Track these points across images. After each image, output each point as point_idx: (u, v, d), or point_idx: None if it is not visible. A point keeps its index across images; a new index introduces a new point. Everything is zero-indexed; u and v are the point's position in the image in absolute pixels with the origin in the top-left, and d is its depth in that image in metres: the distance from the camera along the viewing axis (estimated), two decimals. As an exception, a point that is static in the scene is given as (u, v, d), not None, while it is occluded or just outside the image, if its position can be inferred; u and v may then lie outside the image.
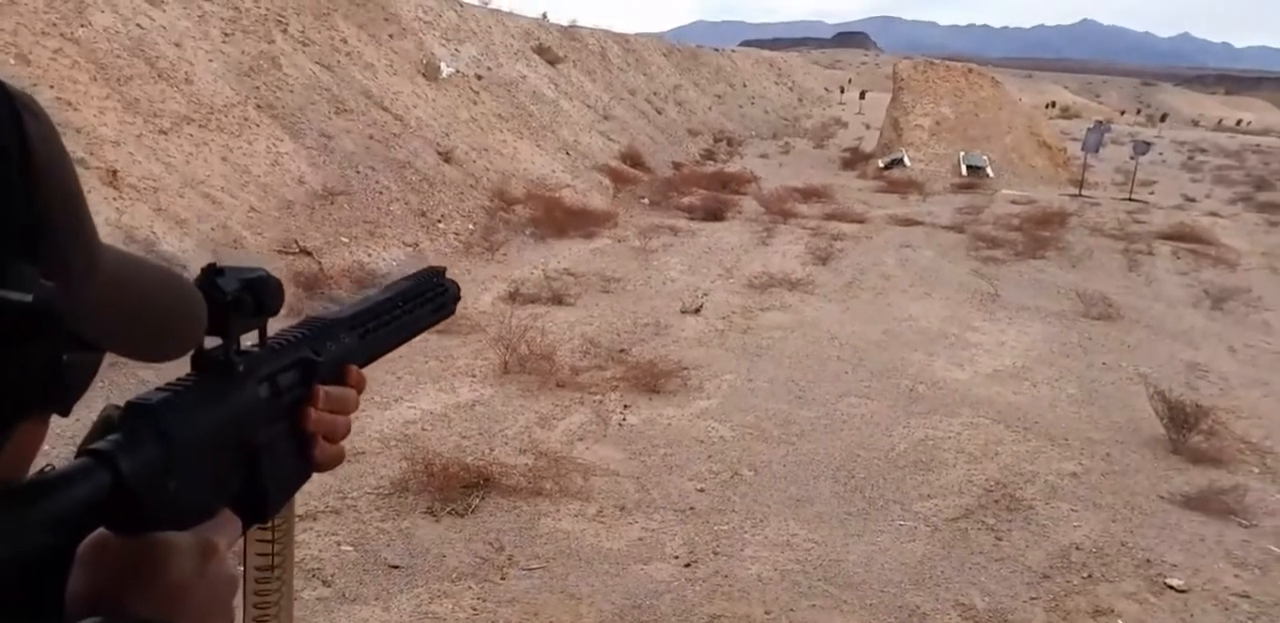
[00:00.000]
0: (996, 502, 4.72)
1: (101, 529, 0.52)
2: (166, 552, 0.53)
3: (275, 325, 0.66)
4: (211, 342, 0.60)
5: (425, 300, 0.85)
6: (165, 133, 7.86)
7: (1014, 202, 16.99)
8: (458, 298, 0.91)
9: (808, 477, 4.88)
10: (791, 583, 3.84)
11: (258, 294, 0.60)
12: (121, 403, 0.55)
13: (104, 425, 0.55)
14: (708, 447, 5.18)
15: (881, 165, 20.58)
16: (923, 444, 5.39)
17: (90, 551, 0.52)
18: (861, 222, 13.37)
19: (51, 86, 7.13)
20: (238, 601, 0.61)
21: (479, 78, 14.75)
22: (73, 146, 6.68)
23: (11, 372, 0.43)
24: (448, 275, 0.90)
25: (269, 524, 0.69)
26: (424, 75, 13.10)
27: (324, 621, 3.30)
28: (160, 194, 7.17)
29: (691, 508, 4.45)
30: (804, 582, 3.85)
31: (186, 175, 7.64)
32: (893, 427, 5.63)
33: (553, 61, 18.84)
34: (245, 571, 0.70)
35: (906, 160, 20.45)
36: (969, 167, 20.25)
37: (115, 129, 7.38)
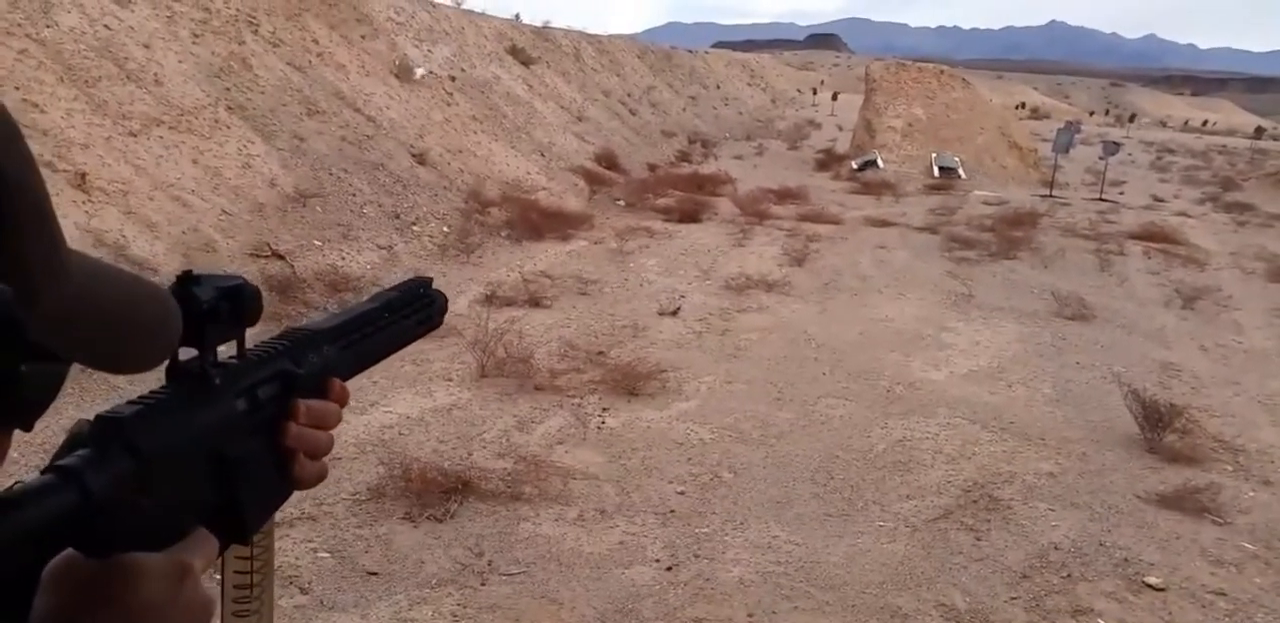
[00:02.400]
0: (975, 502, 4.73)
1: (69, 550, 0.50)
2: (137, 574, 0.51)
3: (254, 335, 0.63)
4: (187, 353, 0.57)
5: (412, 311, 0.83)
6: (135, 135, 7.75)
7: (986, 202, 17.14)
8: (445, 309, 0.89)
9: (787, 478, 4.87)
10: (773, 585, 3.83)
11: (235, 303, 0.58)
12: (94, 415, 0.53)
13: (73, 441, 0.53)
14: (687, 449, 5.17)
15: (855, 167, 20.68)
16: (901, 445, 5.40)
17: (56, 572, 0.50)
18: (837, 223, 13.43)
19: (17, 88, 7.01)
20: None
21: (452, 79, 14.67)
22: (40, 149, 6.57)
23: None
24: (433, 283, 0.88)
25: (248, 543, 0.66)
26: (397, 76, 13.00)
27: (302, 630, 3.26)
28: (130, 197, 7.06)
29: (672, 511, 4.43)
30: (786, 584, 3.85)
31: (157, 178, 7.53)
32: (871, 428, 5.64)
33: (526, 63, 18.78)
34: (224, 592, 0.67)
35: (880, 162, 20.56)
36: (941, 168, 20.39)
37: (84, 131, 7.27)
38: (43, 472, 0.50)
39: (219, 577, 0.66)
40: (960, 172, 20.33)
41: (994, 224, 13.82)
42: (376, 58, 12.91)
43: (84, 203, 6.61)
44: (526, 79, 18.06)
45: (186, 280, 0.57)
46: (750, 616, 3.60)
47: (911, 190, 18.27)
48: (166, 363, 0.57)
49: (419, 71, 13.43)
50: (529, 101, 16.87)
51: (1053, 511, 4.70)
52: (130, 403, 0.54)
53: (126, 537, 0.51)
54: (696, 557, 4.03)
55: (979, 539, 4.35)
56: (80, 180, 6.73)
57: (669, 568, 3.92)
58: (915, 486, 4.88)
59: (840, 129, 31.08)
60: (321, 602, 3.44)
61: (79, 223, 6.37)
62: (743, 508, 4.52)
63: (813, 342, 7.40)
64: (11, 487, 0.48)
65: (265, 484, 0.63)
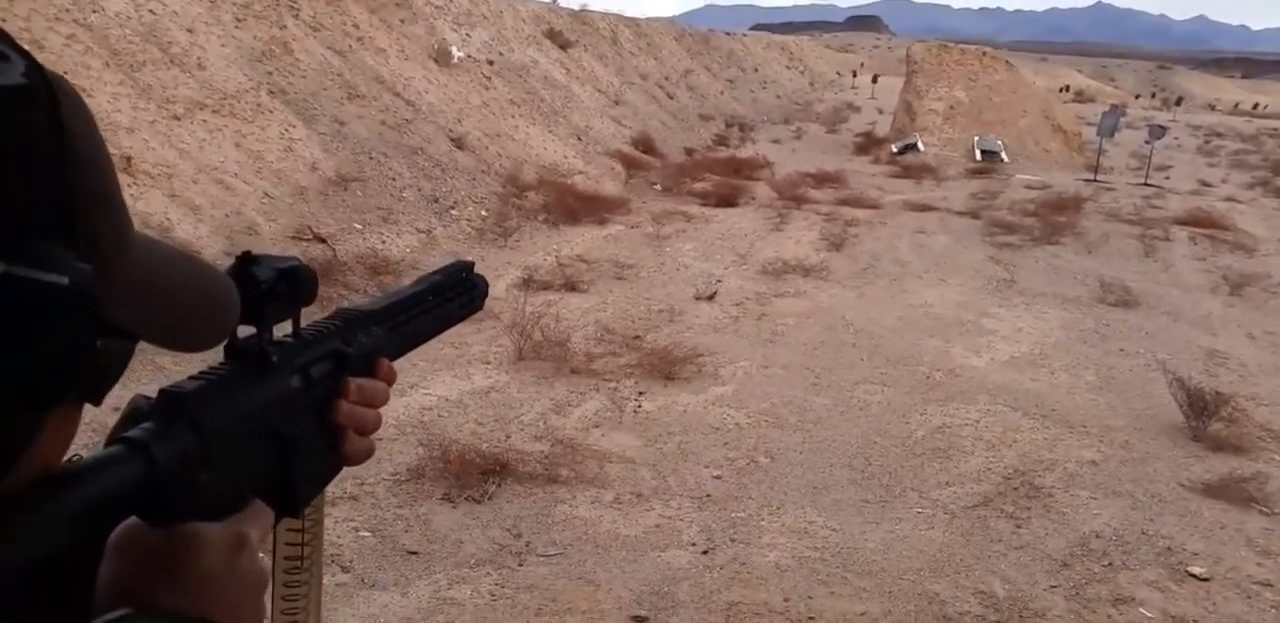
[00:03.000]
0: (1015, 489, 4.69)
1: (133, 519, 0.51)
2: (197, 544, 0.52)
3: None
4: (245, 332, 0.59)
5: (455, 295, 0.85)
6: (179, 119, 7.85)
7: (1029, 186, 16.87)
8: (486, 293, 0.91)
9: (824, 464, 4.86)
10: (810, 570, 3.83)
11: (292, 283, 0.59)
12: (141, 391, 0.55)
13: (133, 415, 0.54)
14: (723, 434, 5.17)
15: (895, 150, 20.44)
16: (940, 432, 5.36)
17: (121, 540, 0.51)
18: (875, 207, 13.29)
19: (65, 73, 7.11)
20: (267, 594, 0.59)
21: (490, 63, 14.68)
22: (87, 133, 6.67)
23: (46, 357, 0.42)
24: (474, 267, 0.90)
25: (299, 516, 0.68)
26: (435, 61, 13.04)
27: (344, 606, 3.31)
28: (174, 180, 7.16)
29: (708, 495, 4.44)
30: (822, 569, 3.84)
31: (200, 161, 7.63)
32: (909, 414, 5.60)
33: (564, 46, 18.74)
34: (274, 563, 0.69)
35: (920, 145, 20.30)
36: (983, 151, 20.09)
37: (129, 115, 7.37)
38: (106, 444, 0.51)
39: (271, 549, 0.68)
40: (1003, 155, 20.02)
41: (1037, 209, 13.60)
42: (415, 42, 12.95)
43: (129, 186, 6.71)
44: (564, 63, 18.02)
45: (246, 261, 0.58)
46: (786, 600, 3.60)
47: (953, 174, 18.02)
48: (226, 341, 0.59)
49: (457, 55, 13.45)
50: (566, 85, 16.84)
51: (1094, 499, 4.65)
52: (192, 378, 0.55)
53: (188, 508, 0.52)
54: (733, 541, 4.03)
55: (1019, 527, 4.32)
56: (126, 164, 6.84)
57: (705, 552, 3.93)
58: (954, 472, 4.84)
59: (880, 112, 30.71)
60: (363, 580, 3.49)
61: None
62: (779, 493, 4.51)
63: (850, 327, 7.35)
64: (71, 458, 0.49)
65: (317, 460, 0.65)
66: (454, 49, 13.56)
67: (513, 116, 13.66)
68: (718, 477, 4.64)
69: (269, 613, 0.62)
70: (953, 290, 8.77)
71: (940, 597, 3.70)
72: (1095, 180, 18.50)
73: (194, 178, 7.38)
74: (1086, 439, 5.40)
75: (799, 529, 4.17)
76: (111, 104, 7.30)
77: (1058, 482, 4.80)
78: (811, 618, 3.51)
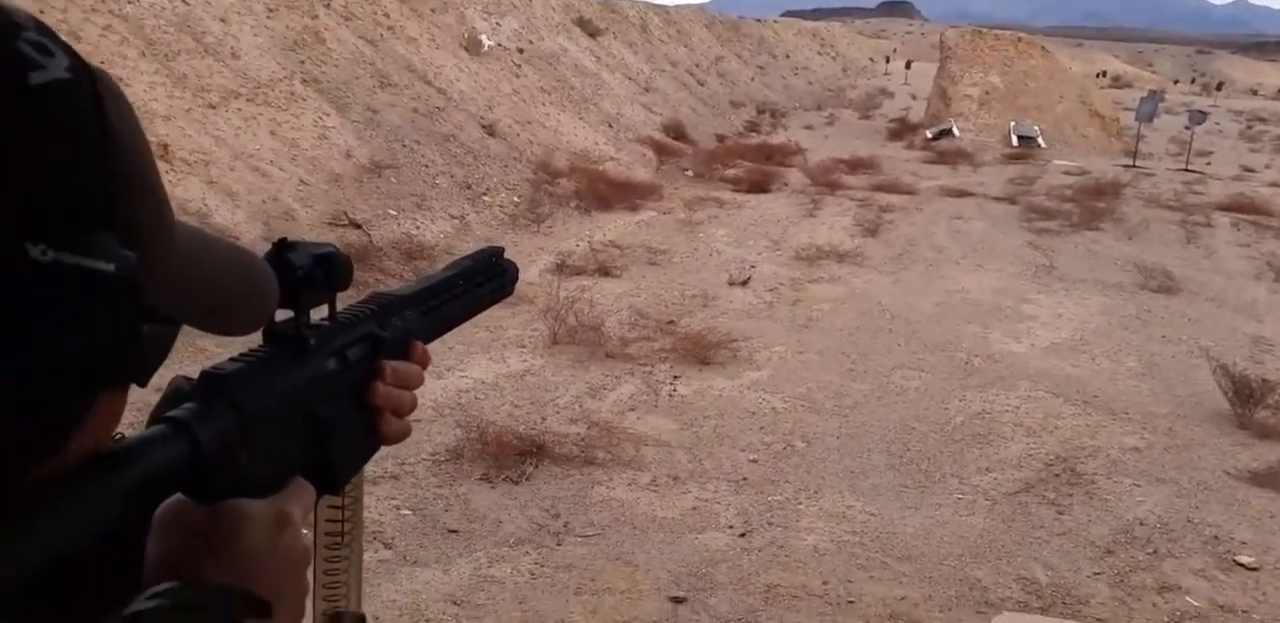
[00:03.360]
0: (1057, 476, 4.63)
1: (178, 495, 0.52)
2: (241, 520, 0.54)
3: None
4: (282, 316, 0.60)
5: (485, 280, 0.87)
6: (214, 107, 7.91)
7: (1067, 172, 16.63)
8: (516, 278, 0.92)
9: (862, 449, 4.82)
10: (849, 555, 3.80)
11: (328, 269, 0.61)
12: (181, 373, 0.57)
13: (174, 395, 0.56)
14: (759, 418, 5.14)
15: (929, 136, 20.22)
16: (980, 418, 5.30)
17: (167, 517, 0.53)
18: (911, 193, 13.15)
19: (102, 62, 7.19)
20: (310, 570, 0.61)
21: (520, 51, 14.67)
22: (126, 120, 6.74)
23: (94, 342, 0.43)
24: (504, 252, 0.92)
25: (340, 494, 0.69)
26: (466, 49, 13.05)
27: (387, 582, 3.34)
28: (211, 167, 7.22)
29: (745, 479, 4.42)
30: (861, 554, 3.81)
31: (236, 149, 7.69)
32: (948, 400, 5.54)
33: (593, 34, 18.69)
34: (315, 540, 0.70)
35: (955, 131, 20.07)
36: (1020, 137, 19.82)
37: (165, 104, 7.44)
38: (148, 424, 0.53)
39: (312, 524, 0.69)
40: (1040, 141, 19.74)
41: (1075, 194, 13.40)
42: (446, 31, 12.97)
43: (167, 173, 6.78)
44: (594, 50, 17.98)
45: (283, 247, 0.60)
46: (825, 584, 3.58)
47: (989, 160, 17.80)
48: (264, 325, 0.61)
49: (487, 44, 13.45)
50: (596, 73, 16.81)
51: (1138, 486, 4.58)
52: (232, 360, 0.57)
53: (229, 486, 0.53)
54: (770, 524, 4.01)
55: (1061, 513, 4.26)
56: (163, 151, 6.90)
57: (742, 535, 3.91)
58: (995, 458, 4.79)
59: (914, 98, 30.39)
60: (405, 557, 3.52)
61: (164, 192, 6.54)
62: (816, 477, 4.48)
63: (887, 313, 7.28)
64: (116, 438, 0.50)
65: (354, 440, 0.67)
66: (484, 38, 13.56)
67: (543, 104, 13.65)
68: (754, 461, 4.62)
69: (311, 588, 0.63)
70: (991, 276, 8.67)
71: (981, 583, 3.66)
72: (1134, 166, 18.19)
73: (230, 165, 7.44)
74: (1129, 426, 5.32)
75: (837, 514, 4.14)
76: (148, 93, 7.37)
77: (1100, 469, 4.73)
78: (851, 602, 3.48)
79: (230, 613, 0.50)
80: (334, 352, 0.64)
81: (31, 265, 0.40)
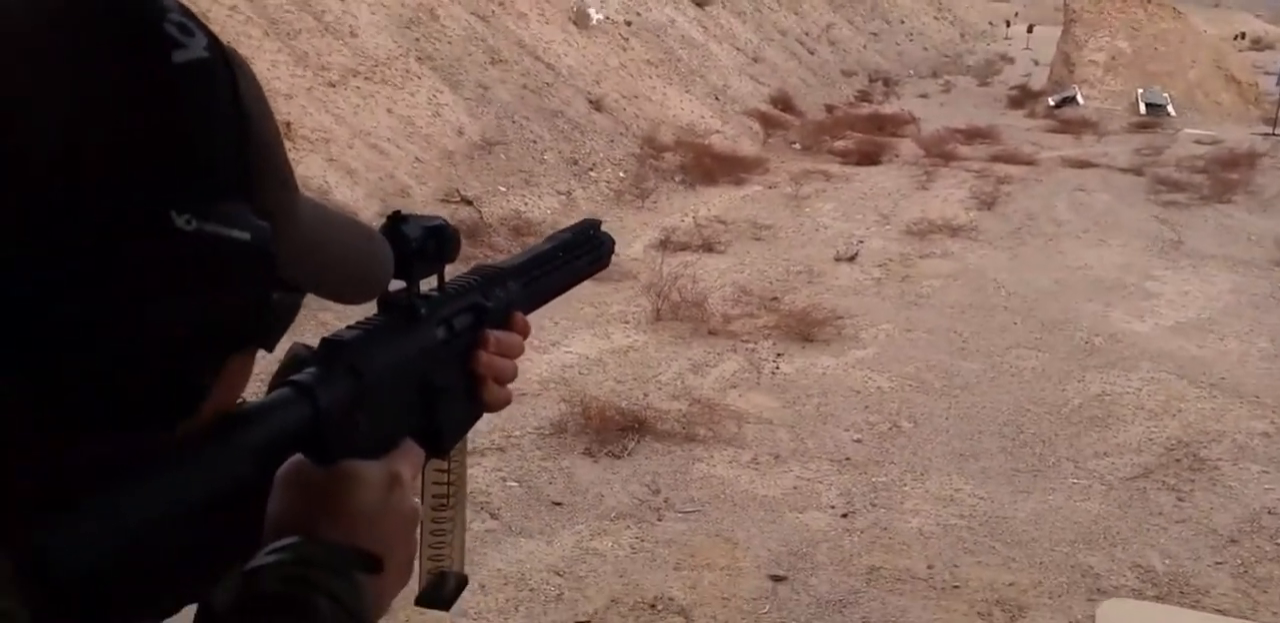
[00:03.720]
0: (1178, 461, 4.44)
1: (298, 456, 0.55)
2: (355, 480, 0.56)
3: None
4: (395, 286, 0.63)
5: (583, 252, 0.88)
6: (334, 85, 8.16)
7: (1198, 141, 15.71)
8: (612, 250, 0.93)
9: (972, 431, 4.71)
10: (955, 538, 3.74)
11: (439, 241, 0.63)
12: (301, 340, 0.59)
13: (294, 361, 0.58)
14: (864, 397, 5.08)
15: (1052, 104, 19.35)
16: (1098, 399, 5.11)
17: (288, 476, 0.55)
18: (1030, 164, 12.65)
19: (229, 42, 7.44)
20: (418, 530, 0.63)
21: (628, 24, 14.63)
22: (250, 100, 7.02)
23: (229, 307, 0.46)
24: (601, 225, 0.94)
25: (445, 459, 0.72)
26: (574, 23, 13.08)
27: (493, 551, 3.45)
28: (331, 145, 7.47)
29: (848, 458, 4.38)
30: (969, 537, 3.75)
31: (355, 127, 7.93)
32: (1065, 381, 5.36)
33: (701, 4, 18.46)
34: (422, 502, 0.73)
35: (1079, 98, 19.15)
36: (1148, 104, 18.78)
37: (287, 83, 7.71)
38: (270, 388, 0.56)
39: (420, 489, 0.71)
40: (1170, 108, 18.68)
41: (1207, 165, 12.64)
42: (555, 5, 13.01)
43: (290, 150, 6.95)
44: (701, 21, 17.78)
45: (397, 220, 0.62)
46: (930, 567, 3.54)
47: (1114, 129, 16.95)
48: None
49: (595, 17, 13.45)
50: (704, 44, 16.63)
51: (1266, 473, 4.36)
52: (350, 328, 0.59)
53: (346, 447, 0.56)
54: (873, 505, 3.98)
55: (1181, 500, 4.09)
56: (286, 129, 7.17)
57: (845, 515, 3.89)
58: (1113, 442, 4.62)
59: (1036, 64, 29.06)
60: (510, 528, 3.63)
61: (286, 170, 6.80)
62: (923, 459, 4.41)
63: (1002, 289, 7.06)
64: (241, 403, 0.53)
65: (459, 406, 0.69)
66: (592, 11, 13.56)
67: (649, 77, 13.60)
68: (858, 441, 4.57)
69: (418, 548, 0.66)
70: (1114, 251, 8.30)
71: (1094, 570, 3.56)
72: (1274, 134, 17.04)
73: (349, 143, 7.68)
74: (1258, 410, 5.05)
75: (944, 496, 4.07)
76: (271, 71, 7.64)
77: (1225, 454, 4.52)
78: (956, 586, 3.43)
79: (345, 569, 0.52)
80: (442, 321, 0.66)
81: (176, 233, 0.43)
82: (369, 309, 0.63)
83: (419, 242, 0.62)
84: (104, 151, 0.42)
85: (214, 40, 0.47)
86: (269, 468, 0.53)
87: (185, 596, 0.51)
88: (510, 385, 0.73)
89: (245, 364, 0.52)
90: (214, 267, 0.44)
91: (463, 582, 0.75)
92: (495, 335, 0.71)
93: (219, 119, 0.45)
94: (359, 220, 0.62)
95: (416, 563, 0.65)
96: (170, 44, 0.44)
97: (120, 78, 0.43)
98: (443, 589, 0.74)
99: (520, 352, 0.74)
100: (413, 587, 0.66)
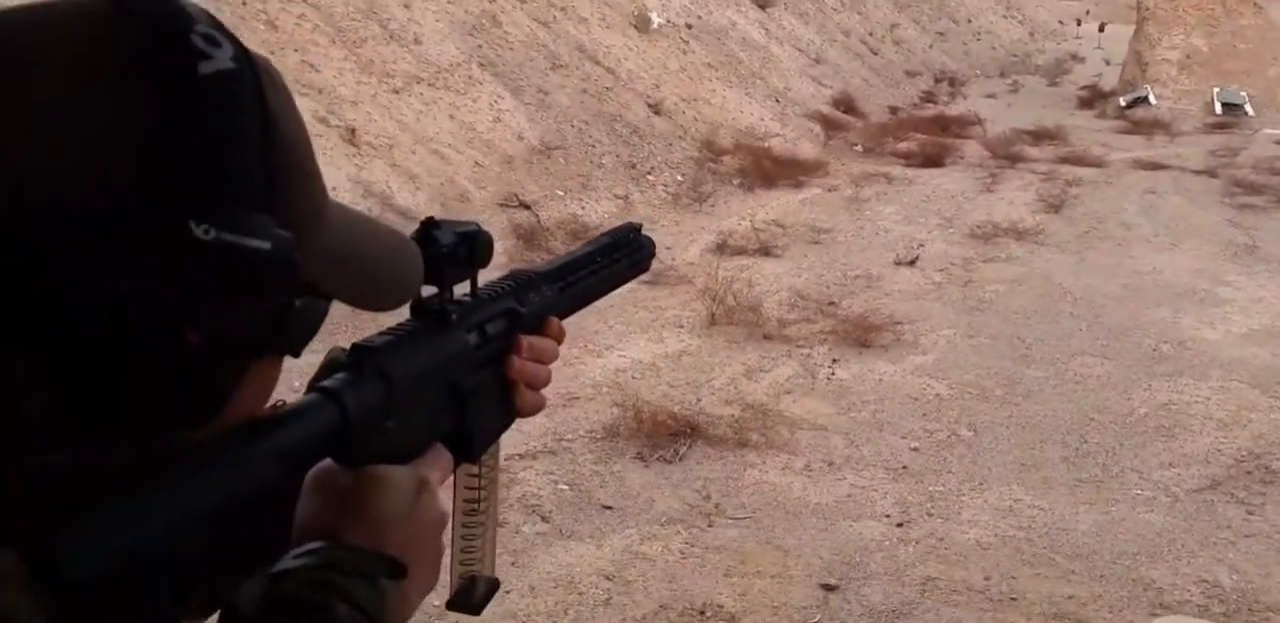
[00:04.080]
0: (1249, 473, 4.29)
1: (327, 460, 0.56)
2: (383, 484, 0.56)
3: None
4: (427, 291, 0.63)
5: (623, 255, 0.88)
6: (398, 92, 8.31)
7: (1278, 142, 15.18)
8: (653, 253, 0.93)
9: (1034, 440, 4.61)
10: (1014, 549, 3.66)
11: (471, 247, 0.63)
12: (346, 345, 0.59)
13: (331, 366, 0.59)
14: (922, 404, 5.00)
15: (1123, 104, 18.86)
16: (1166, 409, 4.96)
17: (316, 480, 0.56)
18: (1100, 166, 12.35)
19: (296, 50, 7.67)
20: (446, 536, 0.63)
21: (689, 27, 14.62)
22: (315, 106, 7.19)
23: (250, 315, 0.47)
24: (654, 228, 0.93)
25: (476, 464, 0.72)
26: (635, 27, 13.12)
27: (543, 553, 3.47)
28: (394, 151, 7.60)
29: (904, 467, 4.32)
30: (1027, 549, 3.67)
31: (417, 133, 8.06)
32: (1132, 389, 5.22)
33: (763, 5, 18.37)
34: (454, 506, 0.73)
35: (1152, 98, 18.64)
36: (1224, 104, 18.20)
37: (353, 89, 7.87)
38: (305, 392, 0.56)
39: (451, 494, 0.72)
40: (1247, 108, 18.07)
41: (1287, 166, 12.22)
42: (616, 9, 13.07)
43: (354, 156, 7.19)
44: (763, 22, 17.70)
45: (429, 226, 0.62)
46: (987, 579, 3.47)
47: (1188, 129, 16.46)
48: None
49: (656, 21, 13.47)
50: (765, 46, 16.55)
51: (1345, 488, 4.19)
52: (381, 334, 0.60)
53: (375, 451, 0.57)
54: (929, 515, 3.91)
55: (1251, 513, 3.96)
56: (350, 135, 7.32)
57: (900, 524, 3.84)
58: (1180, 453, 4.49)
59: (1107, 63, 28.34)
60: (560, 531, 3.65)
61: (350, 175, 6.95)
62: (982, 468, 4.33)
63: (1068, 295, 6.90)
64: (276, 404, 0.54)
65: (491, 411, 0.69)
66: (653, 15, 13.58)
67: (709, 81, 13.58)
68: (915, 449, 4.50)
69: (447, 552, 0.66)
70: (1185, 256, 8.06)
71: (1157, 584, 3.46)
72: (1363, 133, 16.38)
73: (412, 148, 7.81)
74: (1338, 422, 4.86)
75: (1003, 507, 3.99)
76: (337, 78, 7.81)
77: (1301, 467, 4.36)
78: (1014, 599, 3.36)
79: (370, 574, 0.53)
80: (474, 326, 0.67)
81: (195, 243, 0.43)
82: (403, 314, 0.63)
83: (450, 247, 0.62)
84: (126, 163, 0.43)
85: (241, 50, 0.47)
86: (296, 472, 0.54)
87: (210, 598, 0.53)
88: (560, 389, 0.75)
89: (270, 370, 0.53)
90: (232, 275, 0.44)
91: (494, 586, 0.76)
92: (528, 340, 0.71)
93: (243, 130, 0.46)
94: (391, 228, 0.62)
95: (446, 567, 0.66)
96: (197, 56, 0.45)
97: (146, 90, 0.44)
98: (473, 594, 0.74)
99: (554, 357, 0.74)
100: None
